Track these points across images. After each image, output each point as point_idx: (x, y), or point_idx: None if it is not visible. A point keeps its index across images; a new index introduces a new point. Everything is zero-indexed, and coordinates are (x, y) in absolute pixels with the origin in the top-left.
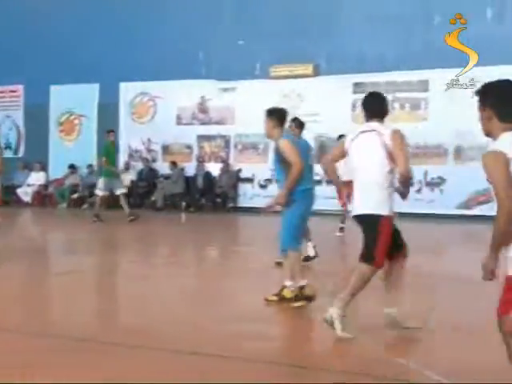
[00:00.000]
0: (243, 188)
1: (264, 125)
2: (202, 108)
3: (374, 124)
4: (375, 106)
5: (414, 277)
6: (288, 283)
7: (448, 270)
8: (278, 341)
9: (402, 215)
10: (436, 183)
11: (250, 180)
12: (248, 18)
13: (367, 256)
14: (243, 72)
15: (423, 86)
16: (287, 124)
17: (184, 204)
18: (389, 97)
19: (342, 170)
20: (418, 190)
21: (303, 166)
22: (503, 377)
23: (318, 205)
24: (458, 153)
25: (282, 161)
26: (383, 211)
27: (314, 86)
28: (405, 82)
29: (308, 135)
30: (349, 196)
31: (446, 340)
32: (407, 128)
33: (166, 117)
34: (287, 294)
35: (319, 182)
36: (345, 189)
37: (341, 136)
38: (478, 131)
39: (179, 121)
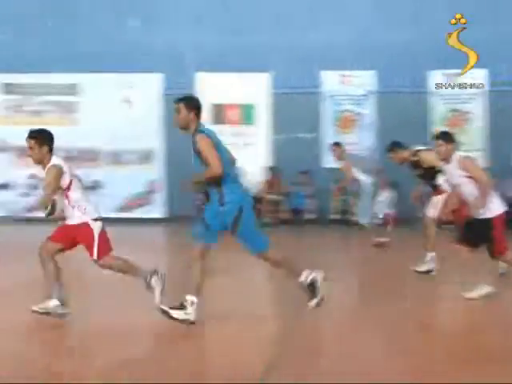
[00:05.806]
0: None
1: None
2: None
3: None
4: None
5: None
6: None
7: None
8: None
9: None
10: (92, 187)
11: None
12: None
13: None
14: None
15: (73, 89)
16: None
17: None
18: (39, 99)
19: None
20: None
21: None
22: None
23: None
24: (115, 157)
25: None
26: None
27: None
28: (55, 85)
29: None
30: None
31: None
32: (59, 132)
33: None
34: None
35: None
36: None
37: None
38: (133, 136)
39: None
